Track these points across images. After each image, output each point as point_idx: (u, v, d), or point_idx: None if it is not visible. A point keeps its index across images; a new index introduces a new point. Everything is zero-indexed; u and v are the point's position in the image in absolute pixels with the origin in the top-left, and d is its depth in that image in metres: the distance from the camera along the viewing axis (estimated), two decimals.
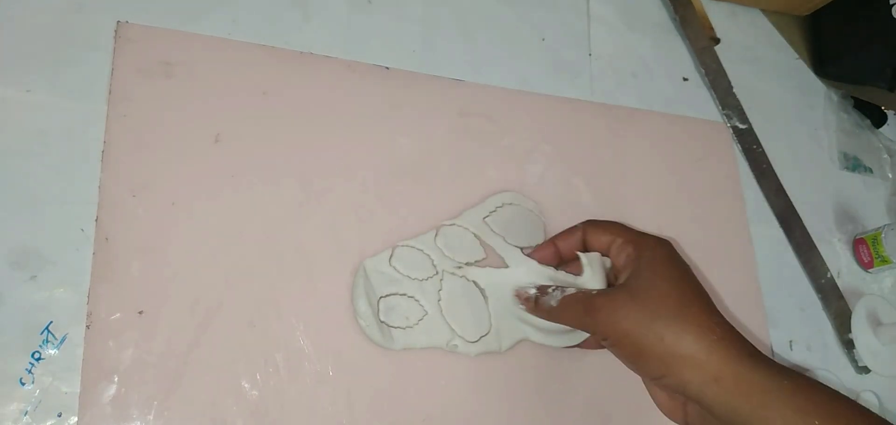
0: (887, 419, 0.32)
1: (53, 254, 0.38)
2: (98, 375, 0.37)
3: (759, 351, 0.35)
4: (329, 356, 0.41)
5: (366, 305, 0.43)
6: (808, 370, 0.55)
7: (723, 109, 0.63)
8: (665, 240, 0.40)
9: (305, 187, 0.45)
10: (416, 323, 0.44)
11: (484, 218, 0.48)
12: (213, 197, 0.42)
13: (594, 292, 0.39)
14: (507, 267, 0.46)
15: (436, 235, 0.46)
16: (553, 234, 0.45)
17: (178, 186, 0.42)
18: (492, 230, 0.48)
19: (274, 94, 0.46)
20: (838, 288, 0.60)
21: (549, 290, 0.41)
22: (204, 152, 0.43)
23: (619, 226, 0.42)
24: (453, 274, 0.46)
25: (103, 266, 0.39)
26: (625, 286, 0.38)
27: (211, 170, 0.43)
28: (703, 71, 0.64)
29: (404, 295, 0.44)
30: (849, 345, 0.58)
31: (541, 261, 0.45)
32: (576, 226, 0.44)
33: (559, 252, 0.44)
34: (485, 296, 0.45)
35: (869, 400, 0.50)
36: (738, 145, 0.63)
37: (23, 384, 0.36)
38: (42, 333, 0.37)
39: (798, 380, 0.33)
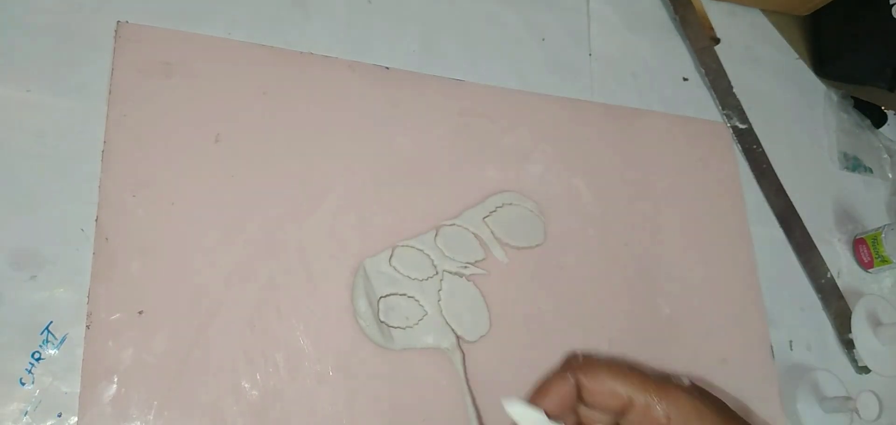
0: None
1: (53, 254, 0.38)
2: (98, 375, 0.37)
3: None
4: (329, 356, 0.41)
5: (366, 305, 0.43)
6: (809, 370, 0.55)
7: (723, 109, 0.63)
8: (693, 392, 0.31)
9: (305, 187, 0.45)
10: (416, 323, 0.44)
11: (484, 218, 0.48)
12: (213, 197, 0.42)
13: None
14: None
15: (436, 235, 0.46)
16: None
17: (178, 186, 0.42)
18: (491, 230, 0.48)
19: (274, 94, 0.46)
20: (838, 288, 0.60)
21: None
22: (204, 152, 0.43)
23: (633, 376, 0.30)
24: (453, 274, 0.46)
25: (103, 266, 0.39)
26: None
27: (211, 170, 0.43)
28: (703, 71, 0.64)
29: (404, 295, 0.44)
30: (849, 345, 0.58)
31: None
32: (564, 374, 0.31)
33: (547, 413, 0.31)
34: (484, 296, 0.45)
35: (869, 401, 0.50)
36: (738, 145, 0.63)
37: (23, 384, 0.36)
38: (42, 333, 0.37)
39: None
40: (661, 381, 0.30)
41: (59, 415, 0.36)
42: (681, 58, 0.65)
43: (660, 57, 0.63)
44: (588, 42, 0.61)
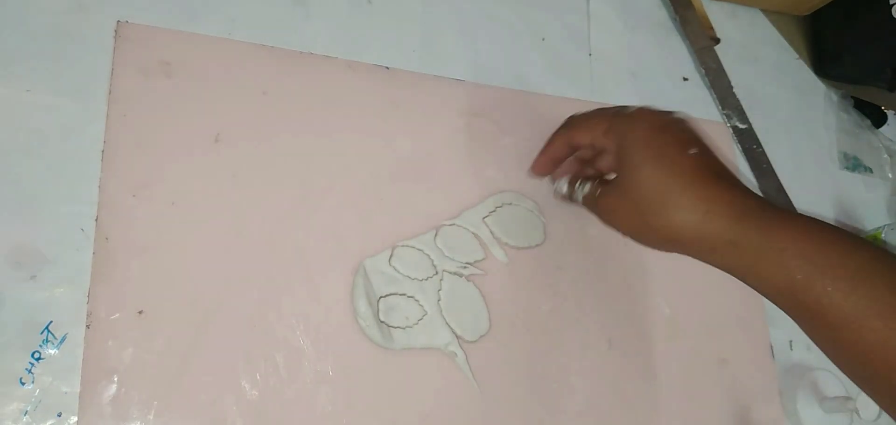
0: (887, 419, 0.32)
1: (53, 253, 0.38)
2: (98, 375, 0.37)
3: (749, 199, 0.36)
4: (329, 356, 0.41)
5: (366, 305, 0.43)
6: (809, 370, 0.55)
7: (723, 109, 0.63)
8: (640, 112, 0.41)
9: (305, 187, 0.45)
10: (416, 323, 0.44)
11: (484, 218, 0.48)
12: (213, 197, 0.42)
13: (598, 192, 0.42)
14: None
15: (435, 235, 0.46)
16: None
17: (178, 186, 0.42)
18: (491, 230, 0.48)
19: (274, 94, 0.46)
20: None
21: (576, 187, 0.45)
22: (204, 152, 0.43)
23: (598, 115, 0.43)
24: (453, 274, 0.46)
25: (103, 266, 0.39)
26: (615, 184, 0.41)
27: (211, 170, 0.43)
28: (703, 71, 0.64)
29: (404, 295, 0.44)
30: None
31: (538, 176, 0.49)
32: (560, 130, 0.45)
33: (553, 159, 0.47)
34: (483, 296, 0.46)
35: (869, 401, 0.50)
36: (738, 145, 0.63)
37: (23, 384, 0.36)
38: (42, 333, 0.37)
39: (790, 229, 0.34)
40: (619, 112, 0.41)
41: (59, 415, 0.36)
42: (681, 58, 0.65)
43: (660, 57, 0.63)
44: (588, 42, 0.61)
